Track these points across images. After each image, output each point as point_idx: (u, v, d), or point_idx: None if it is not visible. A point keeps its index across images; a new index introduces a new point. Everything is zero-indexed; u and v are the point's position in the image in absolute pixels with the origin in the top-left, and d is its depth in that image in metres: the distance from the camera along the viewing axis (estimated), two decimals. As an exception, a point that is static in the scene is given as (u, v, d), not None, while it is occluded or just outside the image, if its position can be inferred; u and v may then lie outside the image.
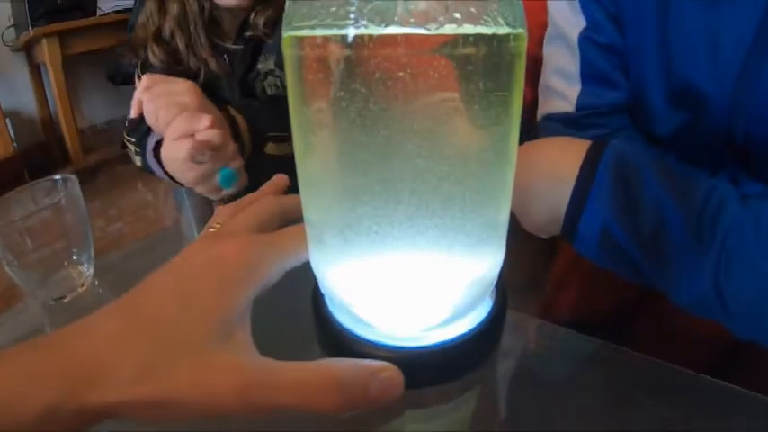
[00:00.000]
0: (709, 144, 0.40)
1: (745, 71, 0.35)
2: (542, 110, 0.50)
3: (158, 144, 0.58)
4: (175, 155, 0.52)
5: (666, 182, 0.33)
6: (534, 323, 0.36)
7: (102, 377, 0.19)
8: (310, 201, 0.24)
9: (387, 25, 0.18)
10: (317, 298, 0.28)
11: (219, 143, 0.51)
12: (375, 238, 0.21)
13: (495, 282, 0.26)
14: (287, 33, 0.21)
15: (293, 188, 0.26)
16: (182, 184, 0.58)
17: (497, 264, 0.25)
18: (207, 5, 0.66)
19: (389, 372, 0.21)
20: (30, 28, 2.11)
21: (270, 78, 0.68)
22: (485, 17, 0.18)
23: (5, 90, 2.36)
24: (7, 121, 2.23)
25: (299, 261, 0.26)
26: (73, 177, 0.43)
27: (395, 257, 0.22)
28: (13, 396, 0.18)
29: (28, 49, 2.34)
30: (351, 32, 0.18)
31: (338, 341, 0.25)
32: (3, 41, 2.31)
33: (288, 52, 0.21)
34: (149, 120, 0.53)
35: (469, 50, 0.18)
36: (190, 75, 0.65)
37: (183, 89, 0.53)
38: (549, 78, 0.49)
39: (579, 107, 0.46)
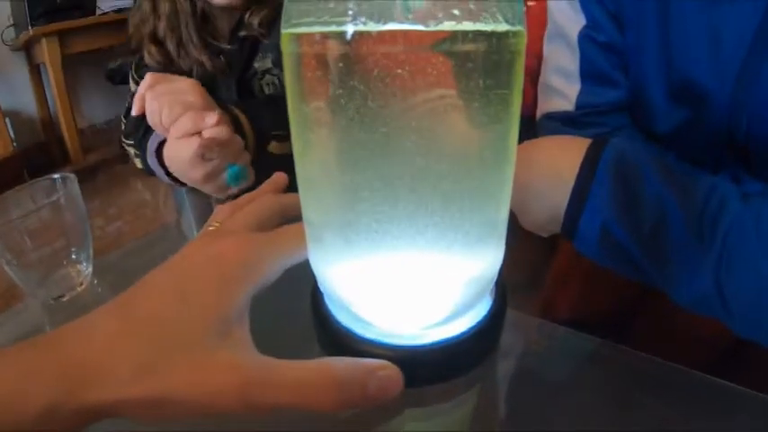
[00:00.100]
0: (710, 142, 0.40)
1: (745, 69, 0.35)
2: (542, 108, 0.50)
3: (160, 145, 0.58)
4: (180, 154, 0.52)
5: (667, 180, 0.33)
6: (534, 322, 0.36)
7: (101, 376, 0.19)
8: (309, 199, 0.24)
9: (385, 22, 0.18)
10: (316, 296, 0.28)
11: (227, 139, 0.51)
12: (374, 236, 0.21)
13: (494, 280, 0.26)
14: (285, 30, 0.21)
15: (293, 186, 0.26)
16: (183, 185, 0.58)
17: (497, 262, 0.25)
18: (199, 5, 0.65)
19: (388, 370, 0.21)
20: (29, 27, 2.11)
21: (267, 77, 0.68)
22: (484, 14, 0.18)
23: (5, 90, 2.36)
24: (7, 120, 2.24)
25: (298, 259, 0.26)
26: (72, 176, 0.43)
27: (394, 256, 0.22)
28: (13, 395, 0.18)
29: (27, 48, 2.34)
30: (349, 29, 0.18)
31: (337, 339, 0.25)
32: (2, 41, 2.32)
33: (286, 49, 0.21)
34: (152, 119, 0.52)
35: (469, 47, 0.18)
36: (183, 75, 0.65)
37: (186, 87, 0.52)
38: (548, 77, 0.49)
39: (579, 106, 0.46)
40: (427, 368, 0.24)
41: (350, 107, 0.19)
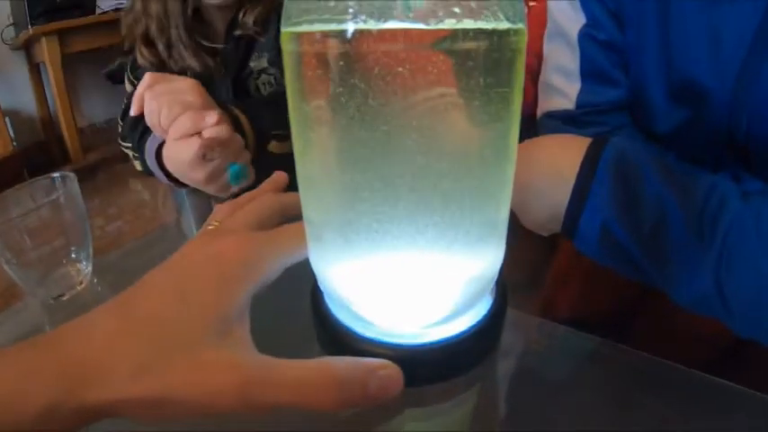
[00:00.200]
0: (710, 142, 0.40)
1: (745, 69, 0.35)
2: (542, 107, 0.50)
3: (159, 147, 0.57)
4: (181, 156, 0.52)
5: (667, 179, 0.33)
6: (534, 321, 0.36)
7: (100, 375, 0.19)
8: (309, 198, 0.24)
9: (386, 20, 0.18)
10: (316, 295, 0.28)
11: (227, 138, 0.51)
12: (374, 235, 0.21)
13: (494, 279, 0.26)
14: (285, 29, 0.21)
15: (293, 185, 0.26)
16: (184, 186, 0.58)
17: (497, 261, 0.25)
18: (191, 5, 0.65)
19: (389, 369, 0.21)
20: (29, 26, 2.11)
21: (264, 76, 0.68)
22: (485, 12, 0.18)
23: (5, 89, 2.36)
24: (7, 119, 2.23)
25: (298, 258, 0.26)
26: (71, 175, 0.43)
27: (394, 255, 0.22)
28: (13, 395, 0.18)
29: (27, 47, 2.34)
30: (350, 27, 0.18)
31: (337, 339, 0.25)
32: (2, 40, 2.31)
33: (286, 48, 0.21)
34: (151, 119, 0.52)
35: (469, 45, 0.18)
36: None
37: (186, 87, 0.52)
38: (548, 76, 0.49)
39: (579, 105, 0.46)
40: (427, 367, 0.24)
41: (350, 106, 0.19)
